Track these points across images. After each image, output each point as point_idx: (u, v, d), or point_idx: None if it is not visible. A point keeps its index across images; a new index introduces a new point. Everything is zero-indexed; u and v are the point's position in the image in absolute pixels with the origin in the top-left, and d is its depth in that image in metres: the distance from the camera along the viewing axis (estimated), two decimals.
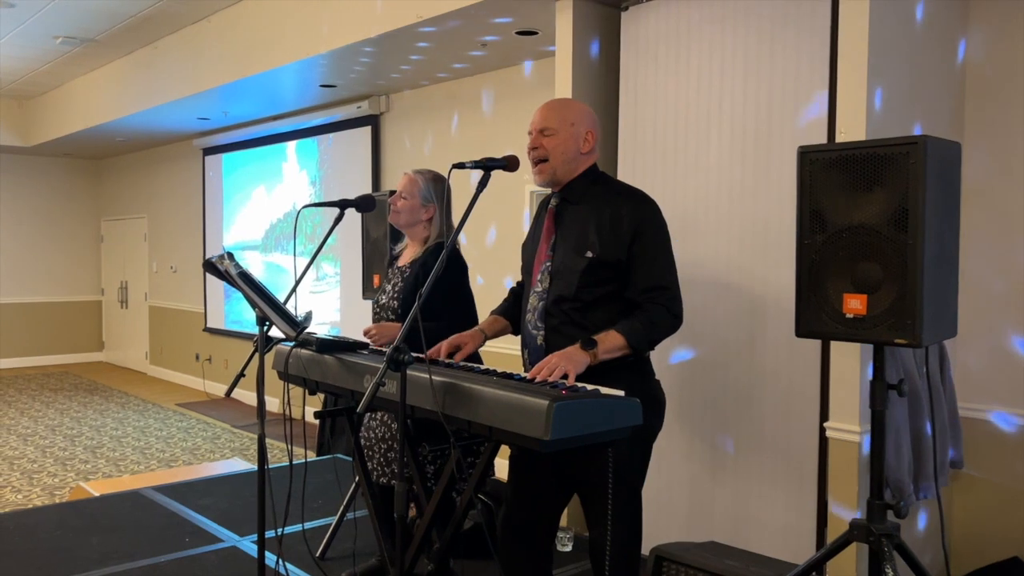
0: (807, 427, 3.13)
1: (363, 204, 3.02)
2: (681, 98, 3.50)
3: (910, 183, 1.96)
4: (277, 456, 6.25)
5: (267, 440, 2.69)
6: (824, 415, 3.05)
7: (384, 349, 2.63)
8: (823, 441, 3.06)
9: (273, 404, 6.96)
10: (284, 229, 7.90)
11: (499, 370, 2.25)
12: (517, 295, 2.67)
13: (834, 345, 2.96)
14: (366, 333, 2.95)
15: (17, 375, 10.41)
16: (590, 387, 1.98)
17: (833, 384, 2.97)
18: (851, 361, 2.90)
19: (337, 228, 2.80)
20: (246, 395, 8.37)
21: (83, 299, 11.56)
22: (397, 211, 3.10)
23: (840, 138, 2.90)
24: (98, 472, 6.01)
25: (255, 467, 5.33)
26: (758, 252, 3.25)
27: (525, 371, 2.48)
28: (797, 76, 3.11)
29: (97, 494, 4.56)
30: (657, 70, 3.58)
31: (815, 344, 3.08)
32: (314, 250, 2.93)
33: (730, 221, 3.35)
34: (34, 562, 3.54)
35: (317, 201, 3.22)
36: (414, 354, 2.01)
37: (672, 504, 3.55)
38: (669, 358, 3.54)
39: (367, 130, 6.69)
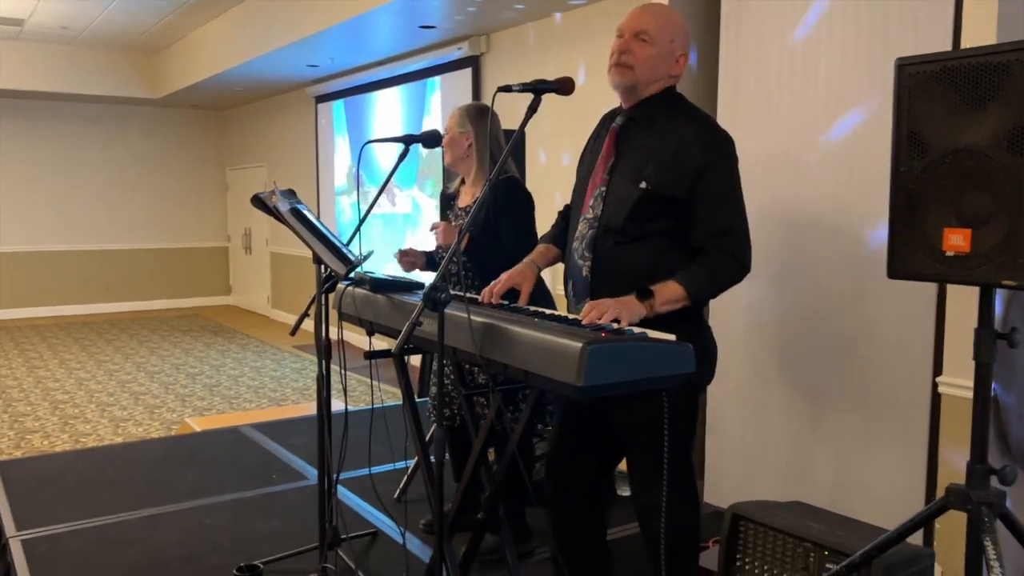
0: (918, 382, 2.84)
1: (429, 140, 2.90)
2: (788, 25, 3.18)
3: None
4: (366, 399, 6.32)
5: (357, 380, 2.65)
6: (938, 369, 2.75)
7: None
8: (935, 397, 2.76)
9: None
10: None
11: (549, 312, 2.07)
12: (567, 218, 2.43)
13: (950, 291, 2.63)
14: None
15: (152, 316, 11.04)
16: (637, 330, 1.78)
17: (948, 335, 2.66)
18: (969, 309, 2.56)
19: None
20: (358, 339, 8.53)
21: (211, 245, 12.11)
22: (444, 148, 3.02)
23: None
24: (212, 409, 6.26)
25: (353, 408, 5.39)
26: (867, 191, 2.92)
27: (568, 302, 2.30)
28: None
29: (199, 430, 4.74)
30: None
31: (930, 292, 2.76)
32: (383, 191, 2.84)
33: (840, 158, 3.03)
34: (130, 493, 3.70)
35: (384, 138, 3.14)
36: (470, 295, 1.88)
37: (768, 462, 3.32)
38: (765, 307, 3.27)
39: (467, 72, 6.55)
